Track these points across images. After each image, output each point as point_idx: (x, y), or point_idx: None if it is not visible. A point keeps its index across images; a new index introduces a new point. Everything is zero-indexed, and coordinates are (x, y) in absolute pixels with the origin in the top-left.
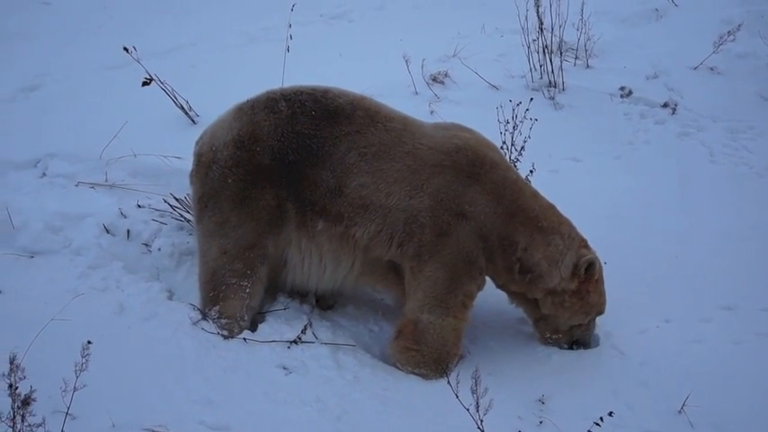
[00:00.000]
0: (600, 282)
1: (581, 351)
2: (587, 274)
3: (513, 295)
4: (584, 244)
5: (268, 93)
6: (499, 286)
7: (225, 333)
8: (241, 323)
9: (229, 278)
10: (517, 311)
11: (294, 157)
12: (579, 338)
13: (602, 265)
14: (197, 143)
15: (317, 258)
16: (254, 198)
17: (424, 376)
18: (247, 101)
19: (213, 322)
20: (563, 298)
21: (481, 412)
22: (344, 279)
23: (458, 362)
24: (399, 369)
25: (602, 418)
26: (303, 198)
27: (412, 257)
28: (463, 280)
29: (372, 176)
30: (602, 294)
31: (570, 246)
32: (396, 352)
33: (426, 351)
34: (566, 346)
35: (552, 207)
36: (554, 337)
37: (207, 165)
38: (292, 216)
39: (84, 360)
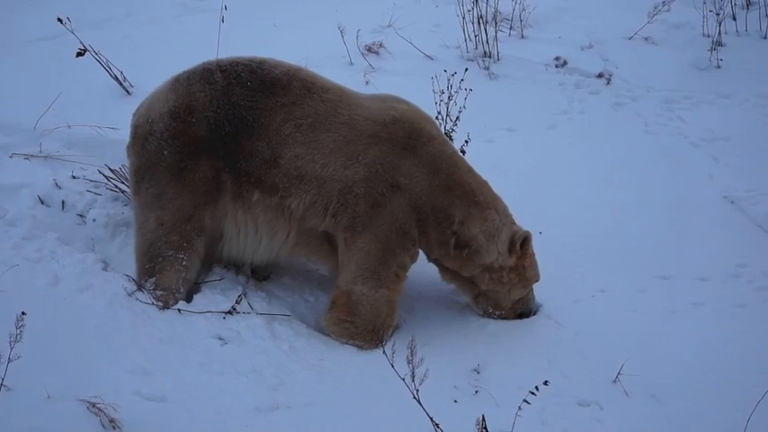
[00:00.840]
0: (533, 254)
1: (516, 321)
2: (523, 250)
3: (447, 272)
4: (513, 221)
5: (204, 64)
6: (432, 260)
7: (160, 305)
8: (176, 295)
9: (166, 250)
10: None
11: (230, 128)
12: (523, 311)
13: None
14: (134, 115)
15: (253, 230)
16: (190, 170)
17: (359, 347)
18: (184, 72)
19: (149, 294)
20: (501, 274)
21: (417, 382)
22: (279, 250)
23: (393, 332)
24: (334, 340)
25: (537, 388)
26: (239, 169)
27: (346, 228)
28: (396, 251)
29: (308, 147)
30: (536, 266)
31: (505, 221)
32: (330, 324)
33: (360, 323)
34: (511, 318)
35: (486, 183)
36: (497, 312)
37: (143, 137)
38: (228, 187)
39: (18, 331)
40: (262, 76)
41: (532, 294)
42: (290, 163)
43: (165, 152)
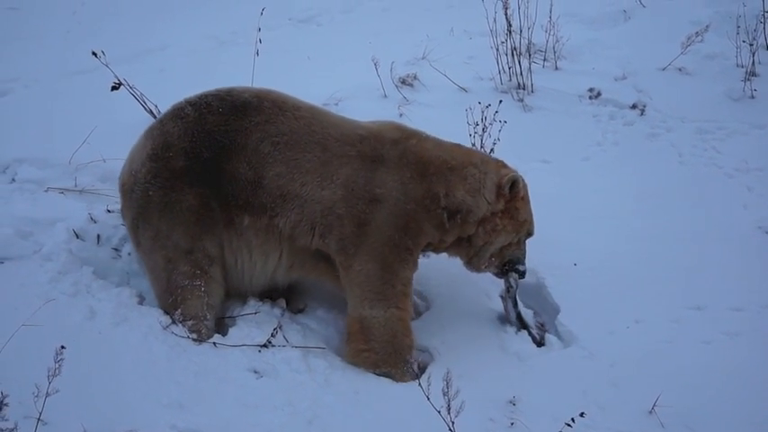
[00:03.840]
0: (526, 200)
1: (552, 353)
2: (512, 192)
3: (450, 248)
4: (501, 164)
5: (173, 105)
6: (438, 250)
7: (194, 336)
8: (205, 322)
9: (182, 281)
10: (486, 315)
11: (208, 154)
12: (511, 258)
13: (526, 183)
14: (119, 179)
15: (248, 255)
16: (175, 202)
17: (389, 375)
18: (155, 119)
19: (180, 325)
20: (494, 222)
21: (453, 414)
22: (275, 273)
23: (418, 357)
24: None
25: (573, 419)
26: (225, 194)
27: (338, 252)
28: (394, 267)
29: (287, 166)
30: (529, 213)
31: (486, 169)
32: (351, 356)
33: (378, 348)
34: (497, 271)
35: (457, 145)
36: (486, 264)
37: (130, 189)
38: (219, 215)
39: (56, 365)
40: (232, 101)
41: (524, 249)
42: (273, 182)
43: (151, 192)
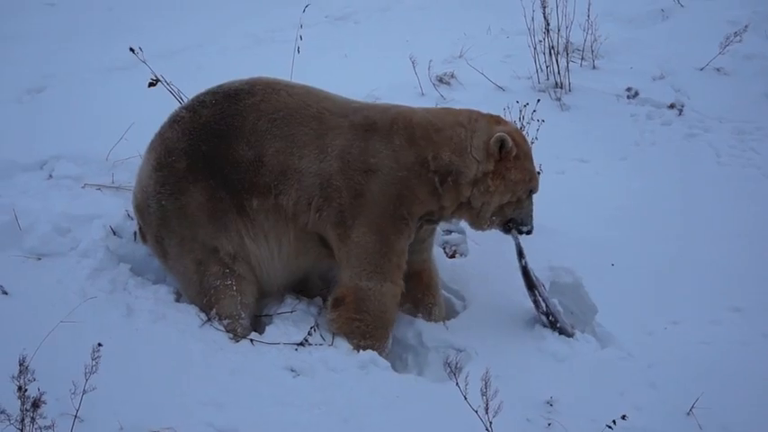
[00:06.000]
0: (520, 158)
1: (589, 354)
2: (502, 153)
3: (453, 213)
4: (495, 120)
5: (170, 114)
6: (444, 218)
7: (231, 335)
8: (240, 321)
9: (213, 282)
10: (523, 316)
11: (207, 147)
12: (514, 217)
13: (524, 140)
14: (132, 200)
15: (265, 242)
16: (187, 204)
17: (369, 347)
18: (156, 133)
19: (217, 325)
20: (486, 183)
21: (490, 414)
22: (288, 260)
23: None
24: (346, 340)
25: (614, 422)
26: (231, 180)
27: (336, 224)
28: (391, 238)
29: (285, 141)
30: (525, 171)
31: (474, 128)
32: (339, 323)
33: (369, 320)
34: (501, 229)
35: (446, 108)
36: (488, 223)
37: (145, 205)
38: (229, 203)
39: (93, 362)
40: (223, 92)
41: (529, 204)
42: (273, 158)
43: (164, 202)
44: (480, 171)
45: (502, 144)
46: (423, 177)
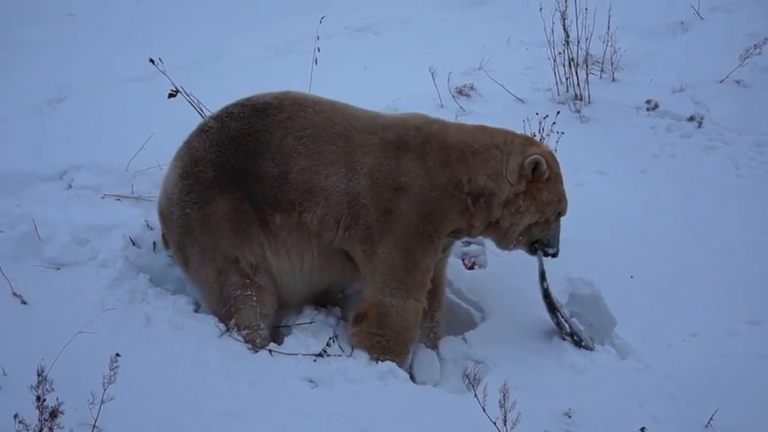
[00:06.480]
0: (553, 181)
1: (608, 366)
2: (534, 174)
3: (481, 232)
4: (529, 142)
5: (198, 124)
6: (471, 235)
7: (248, 346)
8: (259, 332)
9: (233, 291)
10: (542, 327)
11: (234, 160)
12: (540, 238)
13: (556, 162)
14: (157, 207)
15: (286, 258)
16: (211, 214)
17: (390, 361)
18: (184, 142)
19: (236, 335)
20: (517, 204)
21: (509, 426)
22: (311, 275)
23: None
24: (368, 355)
25: None
26: (255, 194)
27: (363, 240)
28: (417, 256)
29: (311, 159)
30: (556, 193)
31: (510, 151)
32: (360, 338)
33: (391, 335)
34: (526, 249)
35: (481, 127)
36: (515, 243)
37: (168, 213)
38: (252, 216)
39: (112, 373)
40: (252, 105)
41: (557, 227)
42: (298, 176)
43: (188, 210)
44: (512, 192)
45: (536, 166)
46: (455, 198)
